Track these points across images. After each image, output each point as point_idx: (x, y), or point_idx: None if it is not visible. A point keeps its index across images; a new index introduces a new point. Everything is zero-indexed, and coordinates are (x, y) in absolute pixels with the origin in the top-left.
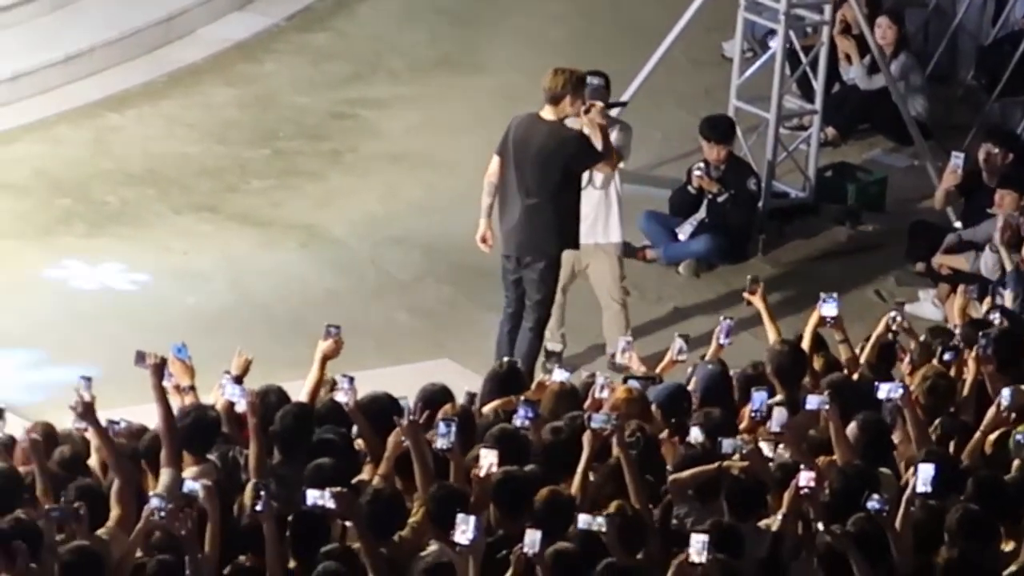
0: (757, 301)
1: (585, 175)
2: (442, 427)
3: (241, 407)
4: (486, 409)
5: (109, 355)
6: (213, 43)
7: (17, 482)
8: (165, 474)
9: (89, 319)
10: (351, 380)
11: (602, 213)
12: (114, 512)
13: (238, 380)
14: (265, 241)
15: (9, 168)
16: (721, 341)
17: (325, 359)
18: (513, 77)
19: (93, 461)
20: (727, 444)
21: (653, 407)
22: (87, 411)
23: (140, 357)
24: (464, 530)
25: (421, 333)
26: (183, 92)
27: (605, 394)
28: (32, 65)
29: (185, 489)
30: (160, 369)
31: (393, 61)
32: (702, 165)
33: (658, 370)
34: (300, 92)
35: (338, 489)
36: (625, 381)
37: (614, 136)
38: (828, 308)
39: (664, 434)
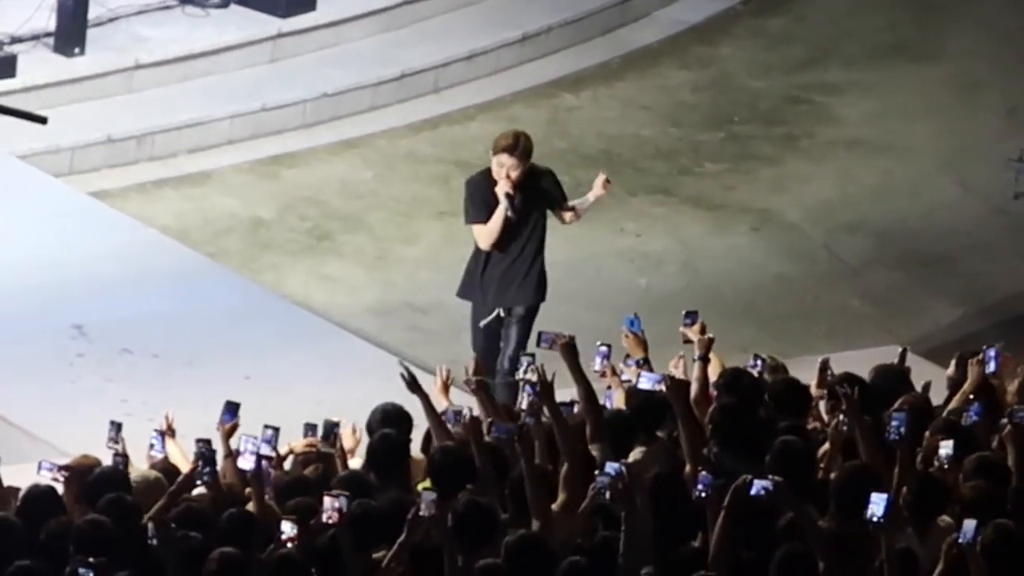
0: None
1: None
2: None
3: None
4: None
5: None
6: (669, 25)
7: (468, 462)
8: (594, 450)
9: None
10: (761, 360)
11: None
12: (561, 496)
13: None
14: (717, 224)
15: (465, 147)
16: None
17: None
18: (972, 65)
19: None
20: None
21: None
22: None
23: (544, 339)
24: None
25: (872, 319)
26: (638, 74)
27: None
28: (489, 44)
29: (608, 469)
30: (571, 348)
31: (849, 46)
32: None
33: None
34: (755, 76)
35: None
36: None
37: None
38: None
39: None
